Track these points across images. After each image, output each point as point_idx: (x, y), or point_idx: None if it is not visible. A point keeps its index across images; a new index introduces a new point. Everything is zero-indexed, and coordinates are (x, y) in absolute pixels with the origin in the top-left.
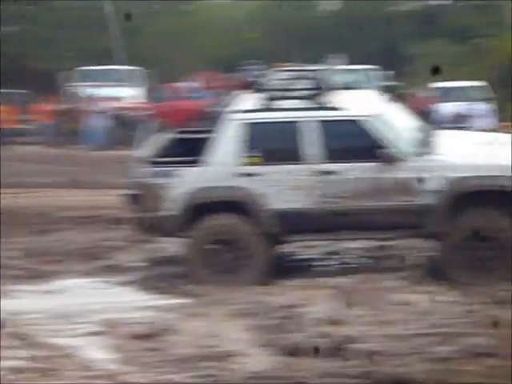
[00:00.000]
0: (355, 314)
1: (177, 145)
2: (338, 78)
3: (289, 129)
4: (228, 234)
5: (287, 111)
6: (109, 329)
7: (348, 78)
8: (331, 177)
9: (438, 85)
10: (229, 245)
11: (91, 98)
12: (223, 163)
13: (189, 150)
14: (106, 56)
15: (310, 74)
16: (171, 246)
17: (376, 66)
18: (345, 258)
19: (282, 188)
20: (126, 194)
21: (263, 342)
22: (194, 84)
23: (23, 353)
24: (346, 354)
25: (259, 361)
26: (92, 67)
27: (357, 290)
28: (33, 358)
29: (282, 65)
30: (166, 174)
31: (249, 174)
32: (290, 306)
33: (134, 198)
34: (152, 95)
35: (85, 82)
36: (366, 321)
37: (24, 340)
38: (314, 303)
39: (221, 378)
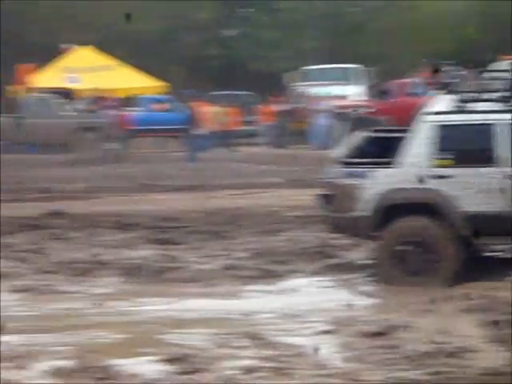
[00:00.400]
0: None
1: (371, 145)
2: None
3: (482, 131)
4: (419, 235)
5: (480, 113)
6: (339, 327)
7: None
8: None
9: None
10: (420, 247)
11: (316, 97)
12: (415, 165)
13: (383, 150)
14: (323, 55)
15: (505, 75)
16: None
17: None
18: None
19: (474, 191)
20: (319, 194)
21: (496, 337)
22: (417, 80)
23: (256, 352)
24: None
25: (492, 357)
26: (316, 66)
27: None
28: (266, 358)
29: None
30: (357, 175)
31: (441, 176)
32: None
33: (327, 198)
34: (374, 93)
35: (309, 81)
36: None
37: (256, 340)
38: None
39: (453, 375)
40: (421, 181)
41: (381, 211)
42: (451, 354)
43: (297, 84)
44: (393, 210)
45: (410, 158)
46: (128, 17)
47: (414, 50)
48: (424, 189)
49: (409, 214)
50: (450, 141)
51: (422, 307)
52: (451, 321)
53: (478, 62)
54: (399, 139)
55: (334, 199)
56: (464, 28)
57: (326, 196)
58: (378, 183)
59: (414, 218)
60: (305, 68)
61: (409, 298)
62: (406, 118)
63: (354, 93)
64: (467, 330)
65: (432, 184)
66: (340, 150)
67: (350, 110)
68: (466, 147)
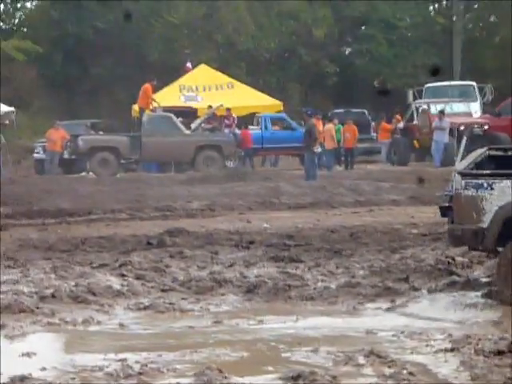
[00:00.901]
0: None
1: (490, 161)
2: None
3: None
4: None
5: None
6: (461, 345)
7: None
8: None
9: None
10: None
11: (437, 114)
12: None
13: (507, 164)
14: (445, 72)
15: None
16: None
17: None
18: None
19: None
20: (442, 206)
21: None
22: None
23: (377, 370)
24: None
25: None
26: (440, 83)
27: None
28: (387, 376)
29: None
30: (479, 186)
31: None
32: None
33: (445, 210)
34: (491, 109)
35: (431, 98)
36: None
37: (377, 357)
38: None
39: None
40: None
41: (501, 224)
42: None
43: (418, 101)
44: None
45: None
46: (128, 17)
47: None
48: None
49: None
50: None
51: None
52: None
53: None
54: None
55: (455, 211)
56: None
57: (448, 208)
58: (499, 195)
59: None
60: (426, 85)
61: None
62: None
63: (473, 110)
64: None
65: None
66: (462, 164)
67: (469, 128)
68: None
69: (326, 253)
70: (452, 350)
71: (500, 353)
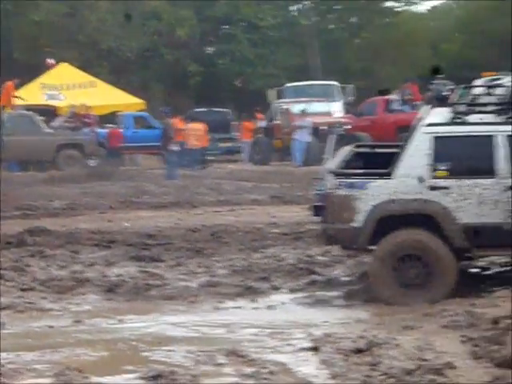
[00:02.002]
0: None
1: (357, 159)
2: None
3: (479, 143)
4: (415, 248)
5: (478, 125)
6: (321, 344)
7: None
8: None
9: None
10: (416, 259)
11: (297, 114)
12: (411, 176)
13: (374, 162)
14: (307, 72)
15: (501, 88)
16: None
17: None
18: None
19: (471, 202)
20: (311, 206)
21: (477, 354)
22: (395, 97)
23: (238, 369)
24: None
25: (474, 374)
26: (297, 83)
27: None
28: (247, 375)
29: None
30: (350, 186)
31: (437, 188)
32: (504, 317)
33: (318, 210)
34: (353, 109)
35: (291, 98)
36: None
37: (238, 357)
38: None
39: None
40: (417, 192)
41: (375, 222)
42: (433, 371)
43: (279, 101)
44: (388, 221)
45: (407, 169)
46: (128, 17)
47: (398, 66)
48: (421, 200)
49: (405, 225)
50: (447, 152)
51: (403, 324)
52: (433, 337)
53: (463, 78)
54: (392, 152)
55: (328, 210)
56: (447, 45)
57: (319, 207)
58: (373, 194)
59: (410, 230)
60: (287, 85)
61: (390, 315)
62: (385, 133)
63: (335, 109)
64: (449, 347)
65: (429, 195)
66: (332, 163)
67: (331, 127)
68: (463, 159)
69: (187, 252)
70: (312, 348)
71: (359, 351)
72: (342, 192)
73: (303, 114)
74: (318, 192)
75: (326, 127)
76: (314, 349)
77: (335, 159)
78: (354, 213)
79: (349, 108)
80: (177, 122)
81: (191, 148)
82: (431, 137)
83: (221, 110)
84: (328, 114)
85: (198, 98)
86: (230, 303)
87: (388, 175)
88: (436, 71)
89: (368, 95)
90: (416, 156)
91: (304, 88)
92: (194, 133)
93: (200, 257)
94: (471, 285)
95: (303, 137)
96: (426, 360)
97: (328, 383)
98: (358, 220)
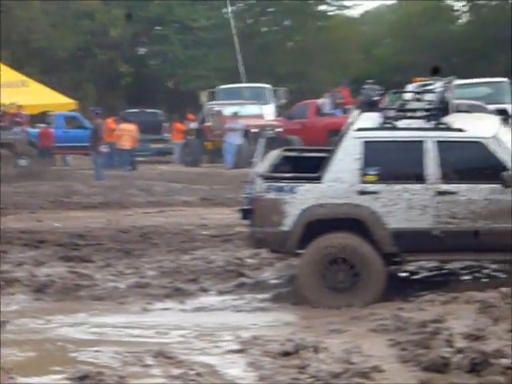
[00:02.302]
0: (497, 329)
1: (291, 161)
2: (464, 93)
3: (407, 148)
4: (344, 251)
5: (406, 131)
6: (249, 346)
7: (475, 92)
8: (450, 197)
9: None
10: (344, 263)
11: (229, 116)
12: (340, 180)
13: (303, 166)
14: (239, 74)
15: (431, 94)
16: None
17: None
18: (478, 273)
19: (400, 207)
20: (242, 209)
21: (404, 357)
22: (326, 101)
23: (165, 371)
24: (490, 369)
25: (400, 377)
26: (230, 85)
27: (496, 305)
28: (175, 376)
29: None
30: (279, 190)
31: (367, 192)
32: (431, 321)
33: (246, 213)
34: (285, 112)
35: (223, 100)
36: (508, 336)
37: (166, 358)
38: (454, 318)
39: None
40: (346, 196)
41: (304, 226)
42: (360, 374)
43: (211, 103)
44: (317, 225)
45: (336, 173)
46: (129, 16)
47: (330, 70)
48: (349, 204)
49: (334, 230)
50: (376, 157)
51: (331, 327)
52: (361, 341)
53: (394, 83)
54: (322, 157)
55: (257, 214)
56: (379, 50)
57: (248, 211)
58: (302, 198)
59: (338, 233)
60: (219, 87)
61: (318, 318)
62: (316, 137)
63: (266, 112)
64: (376, 350)
65: (358, 200)
66: (261, 166)
67: (262, 130)
68: (393, 164)
69: (117, 253)
70: (240, 351)
71: (287, 354)
72: (271, 195)
73: (235, 116)
74: (247, 195)
75: (257, 130)
76: (242, 351)
77: (264, 162)
78: (282, 216)
79: (280, 111)
80: (110, 123)
81: (121, 149)
82: (361, 141)
83: (152, 111)
84: (260, 116)
85: (130, 99)
86: (159, 304)
87: (317, 179)
88: (436, 71)
89: (300, 98)
90: (345, 160)
91: (236, 90)
92: (125, 133)
93: (129, 258)
94: (399, 289)
95: (234, 139)
96: (353, 363)
97: None
98: (287, 224)
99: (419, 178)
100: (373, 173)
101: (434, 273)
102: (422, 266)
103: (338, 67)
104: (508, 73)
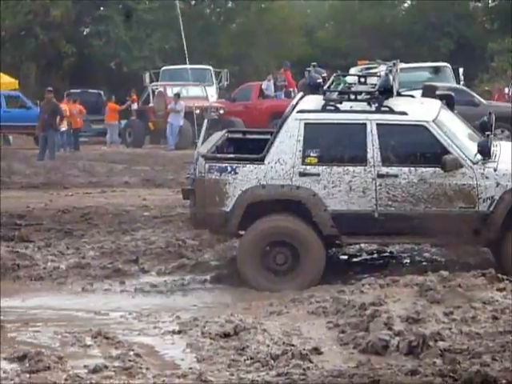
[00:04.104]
0: (436, 312)
1: (234, 143)
2: (405, 77)
3: (349, 131)
4: (284, 234)
5: (348, 113)
6: (189, 327)
7: (416, 77)
8: (390, 180)
9: None
10: (284, 246)
11: (172, 97)
12: (282, 162)
13: (245, 148)
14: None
15: (374, 77)
16: None
17: (448, 64)
18: (418, 256)
19: (340, 189)
20: (183, 189)
21: (343, 340)
22: (268, 83)
23: (104, 351)
24: (428, 351)
25: (339, 359)
26: (173, 66)
27: (435, 288)
28: (114, 357)
29: (363, 62)
30: (220, 170)
31: (307, 174)
32: (371, 304)
33: (188, 193)
34: (228, 94)
35: (166, 81)
36: (447, 319)
37: (105, 338)
38: (393, 301)
39: (301, 377)
40: (286, 178)
41: (245, 207)
42: (299, 356)
43: (154, 83)
44: (258, 207)
45: (278, 155)
46: (129, 16)
47: (273, 52)
48: (290, 186)
49: (275, 212)
50: (318, 139)
51: (271, 309)
52: (300, 323)
53: (339, 66)
54: (263, 138)
55: (198, 194)
56: (322, 33)
57: (189, 191)
58: (243, 179)
59: (279, 216)
60: (162, 68)
61: (258, 300)
62: (259, 119)
63: (209, 94)
64: (316, 333)
65: (299, 181)
66: (204, 147)
67: (205, 111)
68: (334, 146)
69: (57, 233)
70: (179, 332)
71: (226, 335)
72: (213, 176)
73: (178, 97)
74: (189, 176)
75: (199, 111)
76: (181, 332)
77: (206, 144)
78: (224, 197)
79: (223, 93)
80: (64, 103)
81: (66, 129)
82: (302, 123)
83: (95, 91)
84: (202, 98)
85: (73, 79)
86: (99, 285)
87: (259, 160)
88: (436, 71)
89: (242, 81)
90: (287, 142)
91: (179, 71)
92: (69, 114)
93: (70, 238)
94: (340, 272)
95: (177, 120)
96: (292, 345)
97: (194, 367)
98: (228, 205)
99: (360, 161)
100: (314, 155)
101: (375, 256)
102: (362, 248)
103: (280, 50)
104: (449, 57)
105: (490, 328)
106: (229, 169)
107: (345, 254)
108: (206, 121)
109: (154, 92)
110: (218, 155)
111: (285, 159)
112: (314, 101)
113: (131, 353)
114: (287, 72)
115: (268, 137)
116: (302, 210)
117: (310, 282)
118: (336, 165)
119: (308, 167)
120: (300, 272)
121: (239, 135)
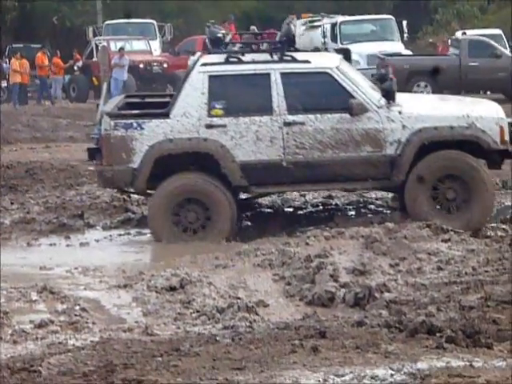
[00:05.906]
0: (382, 264)
1: (131, 104)
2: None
3: (254, 81)
4: (193, 191)
5: (251, 64)
6: (134, 281)
7: (360, 29)
8: (297, 128)
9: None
10: (194, 203)
11: (117, 52)
12: (188, 115)
13: (153, 103)
14: (126, 10)
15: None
16: None
17: (392, 16)
18: (364, 208)
19: (248, 140)
20: (89, 148)
21: (289, 292)
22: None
23: (50, 306)
24: (374, 303)
25: (285, 311)
26: (116, 21)
27: (381, 240)
28: (59, 312)
29: (306, 16)
30: (126, 127)
31: (214, 126)
32: (316, 256)
33: (94, 152)
34: (171, 48)
35: (112, 35)
36: (393, 270)
37: (50, 293)
38: (339, 253)
39: (247, 329)
40: (193, 131)
41: (152, 163)
42: (245, 309)
43: (97, 38)
44: (166, 163)
45: (184, 108)
46: (128, 16)
47: (218, 5)
48: (197, 138)
49: (183, 168)
50: (223, 91)
51: (216, 262)
52: (246, 276)
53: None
54: (152, 103)
55: (105, 152)
56: None
57: (97, 150)
58: (150, 134)
59: (188, 174)
60: (106, 23)
61: (204, 253)
62: None
63: (153, 48)
64: (262, 285)
65: (206, 134)
66: (107, 107)
67: (148, 65)
68: (239, 97)
69: (1, 188)
70: (125, 286)
71: (172, 289)
72: (119, 133)
73: (122, 51)
74: (94, 135)
75: (143, 65)
76: (127, 286)
77: (108, 105)
78: (131, 154)
79: (167, 47)
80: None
81: (12, 84)
82: (206, 76)
83: (38, 46)
84: (146, 52)
85: (16, 34)
86: (44, 240)
87: (165, 115)
88: (436, 71)
89: (187, 34)
90: (192, 95)
91: (123, 26)
92: (15, 69)
93: (14, 193)
94: (285, 224)
95: (121, 75)
96: (238, 298)
97: (140, 320)
98: (135, 161)
99: (266, 110)
100: (219, 107)
101: (320, 208)
102: (307, 201)
103: (224, 3)
104: (393, 10)
105: (435, 279)
106: (135, 125)
107: (290, 207)
108: (105, 84)
109: (97, 46)
110: (124, 112)
111: (191, 112)
112: (218, 56)
113: (77, 307)
114: (232, 25)
115: (168, 100)
116: (211, 162)
117: (222, 237)
118: (242, 115)
119: (214, 119)
120: (212, 228)
121: (138, 99)
